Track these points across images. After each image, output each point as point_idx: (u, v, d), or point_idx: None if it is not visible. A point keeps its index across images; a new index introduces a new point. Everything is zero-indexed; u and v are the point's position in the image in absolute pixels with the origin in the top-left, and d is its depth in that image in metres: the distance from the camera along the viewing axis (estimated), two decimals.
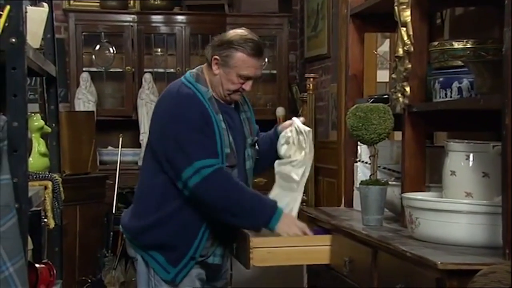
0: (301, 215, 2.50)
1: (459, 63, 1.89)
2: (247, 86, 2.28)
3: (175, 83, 2.34)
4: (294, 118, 2.38)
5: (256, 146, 2.41)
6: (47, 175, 1.88)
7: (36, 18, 1.80)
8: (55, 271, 1.98)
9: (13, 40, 1.42)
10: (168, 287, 2.25)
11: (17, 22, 1.43)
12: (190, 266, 2.23)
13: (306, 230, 2.24)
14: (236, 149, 2.28)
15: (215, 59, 2.26)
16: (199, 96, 2.24)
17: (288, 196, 2.31)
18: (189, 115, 2.20)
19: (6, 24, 1.41)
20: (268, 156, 2.39)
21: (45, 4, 1.95)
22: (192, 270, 2.26)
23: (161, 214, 2.24)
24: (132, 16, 4.78)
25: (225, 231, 2.28)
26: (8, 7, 1.41)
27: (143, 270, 2.29)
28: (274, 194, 2.32)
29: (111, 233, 4.14)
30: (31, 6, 1.85)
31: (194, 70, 2.36)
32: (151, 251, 2.25)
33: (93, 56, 4.79)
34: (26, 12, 1.50)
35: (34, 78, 3.72)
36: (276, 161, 2.35)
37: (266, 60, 4.94)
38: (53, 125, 2.23)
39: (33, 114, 2.02)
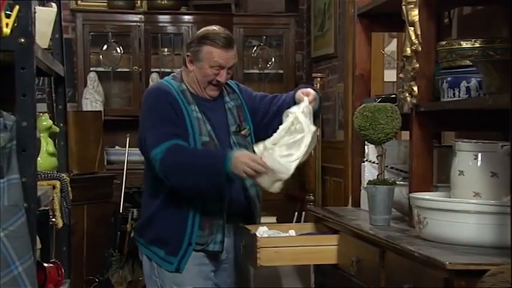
0: (309, 216, 2.50)
1: (467, 62, 1.89)
2: (222, 77, 2.35)
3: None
4: (306, 99, 2.29)
5: (244, 132, 2.41)
6: (55, 174, 1.89)
7: (44, 18, 1.81)
8: (63, 271, 1.99)
9: (22, 40, 1.43)
10: (172, 279, 2.33)
11: (26, 22, 1.43)
12: (189, 253, 2.32)
13: (258, 161, 2.17)
14: (219, 138, 2.36)
15: (188, 56, 2.39)
16: (169, 87, 2.37)
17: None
18: (153, 104, 2.34)
19: (15, 24, 1.41)
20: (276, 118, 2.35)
21: (54, 4, 1.96)
22: (194, 266, 2.32)
23: (152, 209, 2.37)
24: (139, 16, 4.79)
25: (220, 218, 2.33)
26: (17, 7, 1.41)
27: (147, 268, 2.40)
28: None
29: (118, 232, 4.14)
30: (39, 6, 1.86)
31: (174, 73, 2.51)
32: (153, 246, 2.36)
33: (101, 56, 4.81)
34: (35, 12, 1.51)
35: (42, 78, 3.74)
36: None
37: (273, 59, 4.96)
38: (61, 125, 2.24)
39: (41, 114, 2.03)
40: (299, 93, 2.35)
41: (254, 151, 2.26)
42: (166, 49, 4.93)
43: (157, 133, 2.27)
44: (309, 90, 2.35)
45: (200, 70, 2.35)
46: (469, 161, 1.78)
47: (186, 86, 2.38)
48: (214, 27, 2.38)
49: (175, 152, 2.25)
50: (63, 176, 1.90)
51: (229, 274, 2.46)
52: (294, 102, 2.35)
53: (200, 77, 2.36)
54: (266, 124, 2.45)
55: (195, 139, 2.31)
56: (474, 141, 1.80)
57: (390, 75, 4.29)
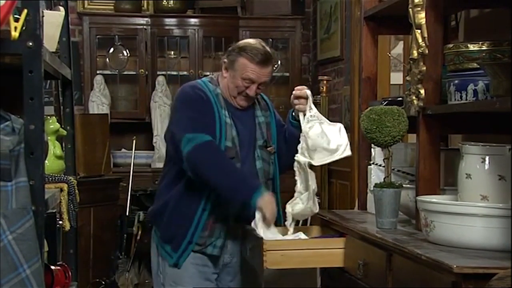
0: (315, 218, 2.50)
1: (475, 65, 1.88)
2: (251, 91, 2.38)
3: None
4: (308, 93, 2.34)
5: (270, 149, 2.44)
6: (62, 177, 1.89)
7: (52, 22, 1.82)
8: (70, 273, 1.99)
9: (30, 43, 1.43)
10: (172, 277, 2.39)
11: (34, 26, 1.44)
12: (189, 250, 2.36)
13: (272, 218, 2.25)
14: (242, 146, 2.38)
15: (224, 62, 2.44)
16: (205, 88, 2.41)
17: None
18: (190, 98, 2.37)
19: (23, 28, 1.42)
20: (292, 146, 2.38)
21: (62, 8, 1.97)
22: (194, 266, 2.36)
23: (166, 199, 2.39)
24: (146, 19, 4.80)
25: (224, 223, 2.36)
26: (25, 11, 1.42)
27: (155, 264, 2.48)
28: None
29: (125, 235, 4.15)
30: (47, 9, 1.86)
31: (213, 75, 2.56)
32: (162, 243, 2.42)
33: (107, 59, 4.82)
34: (43, 16, 1.52)
35: (49, 81, 3.75)
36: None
37: (279, 62, 4.96)
38: (68, 127, 2.24)
39: (48, 117, 2.03)
40: (294, 107, 2.37)
41: (276, 172, 2.43)
42: (172, 52, 4.94)
43: (190, 120, 2.30)
44: (298, 93, 2.35)
45: (232, 79, 2.38)
46: (477, 164, 1.77)
47: (221, 91, 2.41)
48: (256, 42, 2.41)
49: (213, 147, 2.27)
50: (70, 179, 1.90)
51: (232, 278, 2.46)
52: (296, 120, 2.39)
53: (231, 86, 2.39)
54: (279, 156, 2.49)
55: (221, 142, 2.33)
56: (482, 144, 1.79)
57: (397, 78, 4.29)
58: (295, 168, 2.30)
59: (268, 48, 2.41)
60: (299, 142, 2.31)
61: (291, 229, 2.33)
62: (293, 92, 2.38)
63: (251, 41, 2.43)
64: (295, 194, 2.32)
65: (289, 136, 2.43)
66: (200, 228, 2.33)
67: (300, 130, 2.33)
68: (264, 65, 2.36)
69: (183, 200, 2.35)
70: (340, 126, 2.33)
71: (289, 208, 2.30)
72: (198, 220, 2.33)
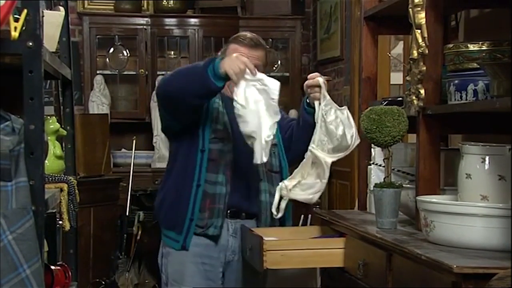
0: (315, 218, 2.50)
1: (475, 65, 1.88)
2: None
3: None
4: (320, 80, 2.27)
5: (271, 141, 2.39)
6: (62, 177, 1.89)
7: (52, 22, 1.82)
8: (70, 273, 1.99)
9: (30, 43, 1.43)
10: (173, 276, 2.40)
11: (34, 26, 1.44)
12: (192, 229, 2.36)
13: (248, 64, 2.22)
14: (234, 132, 2.36)
15: (219, 55, 2.46)
16: None
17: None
18: None
19: (23, 28, 1.42)
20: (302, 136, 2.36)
21: (62, 8, 1.97)
22: (196, 265, 2.36)
23: (164, 189, 2.45)
24: (146, 19, 4.81)
25: (221, 202, 2.36)
26: (25, 11, 1.42)
27: (160, 263, 2.47)
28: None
29: (125, 235, 4.16)
30: (47, 9, 1.87)
31: None
32: (166, 230, 2.43)
33: (107, 59, 4.83)
34: (43, 16, 1.52)
35: (49, 81, 3.76)
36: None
37: (279, 62, 4.96)
38: (68, 127, 2.25)
39: (48, 117, 2.03)
40: (309, 96, 2.33)
41: (283, 164, 2.43)
42: (172, 52, 4.94)
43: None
44: (311, 82, 2.30)
45: None
46: (477, 164, 1.77)
47: None
48: (248, 32, 2.48)
49: (166, 75, 2.41)
50: (70, 179, 1.90)
51: (236, 277, 2.46)
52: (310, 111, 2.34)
53: None
54: (288, 148, 2.49)
55: (205, 125, 2.36)
56: (482, 144, 1.80)
57: (397, 78, 4.30)
58: (306, 156, 2.25)
59: (257, 36, 2.45)
60: (312, 130, 2.26)
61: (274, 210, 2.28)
62: (306, 81, 2.32)
63: (240, 32, 2.50)
64: (294, 173, 2.26)
65: (303, 123, 2.39)
66: (198, 205, 2.33)
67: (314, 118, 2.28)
68: (253, 47, 2.39)
69: (177, 184, 2.39)
70: (347, 110, 2.26)
71: (284, 191, 2.26)
72: (195, 197, 2.34)
